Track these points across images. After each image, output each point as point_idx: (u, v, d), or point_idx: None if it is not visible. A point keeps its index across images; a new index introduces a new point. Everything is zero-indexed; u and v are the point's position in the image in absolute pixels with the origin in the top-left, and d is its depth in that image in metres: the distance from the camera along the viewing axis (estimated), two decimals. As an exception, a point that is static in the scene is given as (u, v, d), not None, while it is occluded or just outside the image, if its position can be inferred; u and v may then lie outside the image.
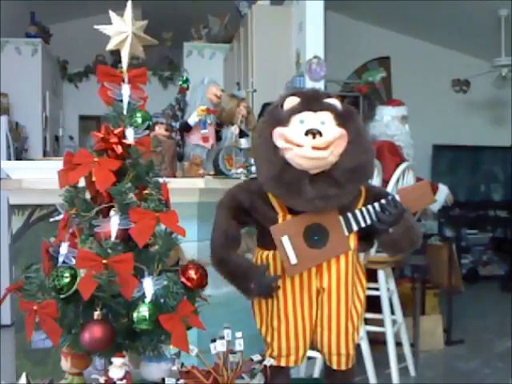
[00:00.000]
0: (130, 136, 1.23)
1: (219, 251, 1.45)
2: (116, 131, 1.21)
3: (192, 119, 2.62)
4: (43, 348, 1.95)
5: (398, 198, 1.45)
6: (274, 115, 1.40)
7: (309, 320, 1.47)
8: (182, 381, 1.27)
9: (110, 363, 1.20)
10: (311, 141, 1.29)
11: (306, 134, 1.30)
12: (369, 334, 2.76)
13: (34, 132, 5.23)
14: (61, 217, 1.25)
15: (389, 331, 2.80)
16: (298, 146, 1.30)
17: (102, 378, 1.20)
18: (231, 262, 1.43)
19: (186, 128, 2.66)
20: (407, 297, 3.51)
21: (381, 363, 2.86)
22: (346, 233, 1.42)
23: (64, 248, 1.19)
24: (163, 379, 1.26)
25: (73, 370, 1.30)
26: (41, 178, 1.99)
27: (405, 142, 3.48)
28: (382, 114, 3.56)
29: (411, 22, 6.14)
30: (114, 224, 1.16)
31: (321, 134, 1.30)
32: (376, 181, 2.64)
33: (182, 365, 1.32)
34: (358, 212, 1.43)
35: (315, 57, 3.84)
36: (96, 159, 1.19)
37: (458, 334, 3.79)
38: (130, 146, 1.22)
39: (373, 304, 2.56)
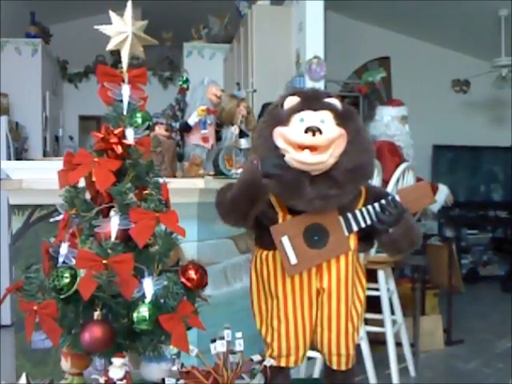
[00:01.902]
0: (130, 136, 1.23)
1: (222, 193, 1.41)
2: (116, 131, 1.21)
3: (192, 119, 2.62)
4: (43, 348, 1.95)
5: (397, 198, 1.45)
6: (274, 115, 1.40)
7: (309, 320, 1.47)
8: (181, 381, 1.27)
9: (110, 363, 1.19)
10: (311, 138, 1.28)
11: (306, 131, 1.30)
12: (369, 334, 2.76)
13: (34, 132, 5.23)
14: (61, 217, 1.25)
15: (389, 331, 2.80)
16: (298, 146, 1.29)
17: (102, 379, 1.20)
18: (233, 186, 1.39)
19: (185, 128, 2.66)
20: (407, 297, 3.51)
21: (381, 363, 2.86)
22: (346, 233, 1.42)
23: (64, 248, 1.18)
24: (163, 379, 1.26)
25: (73, 371, 1.30)
26: (41, 178, 1.99)
27: (405, 142, 3.48)
28: (382, 114, 3.56)
29: (411, 22, 6.14)
30: (114, 224, 1.16)
31: (321, 132, 1.29)
32: (376, 181, 2.64)
33: (182, 365, 1.31)
34: (358, 212, 1.43)
35: (315, 57, 3.84)
36: (96, 159, 1.19)
37: (458, 333, 3.79)
38: (130, 146, 1.22)
39: (373, 304, 2.56)
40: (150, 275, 1.17)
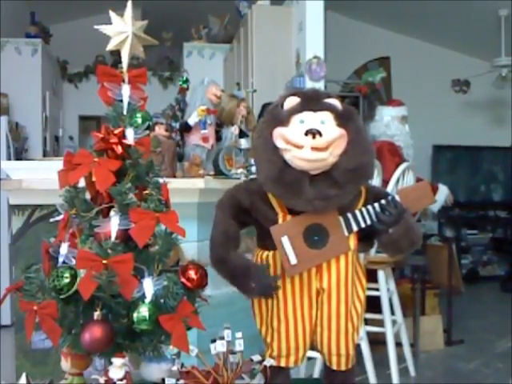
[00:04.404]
0: (130, 136, 1.23)
1: (219, 250, 1.44)
2: (116, 131, 1.21)
3: (192, 119, 2.62)
4: (43, 348, 1.95)
5: (397, 198, 1.45)
6: (274, 115, 1.40)
7: (309, 320, 1.47)
8: (181, 381, 1.27)
9: (110, 363, 1.19)
10: (311, 141, 1.29)
11: (306, 134, 1.30)
12: (369, 334, 2.76)
13: (34, 132, 5.23)
14: (61, 217, 1.25)
15: (389, 331, 2.80)
16: (298, 146, 1.30)
17: (102, 379, 1.20)
18: (231, 261, 1.42)
19: (185, 128, 2.66)
20: (407, 297, 3.51)
21: (381, 363, 2.87)
22: (346, 233, 1.42)
23: (64, 248, 1.19)
24: (163, 379, 1.26)
25: (73, 371, 1.30)
26: (41, 178, 1.99)
27: (405, 142, 3.48)
28: (382, 114, 3.56)
29: (411, 22, 6.14)
30: (114, 224, 1.16)
31: (321, 134, 1.30)
32: (376, 181, 2.64)
33: (182, 365, 1.31)
34: (357, 212, 1.43)
35: (315, 57, 3.84)
36: (96, 159, 1.19)
37: (458, 333, 3.79)
38: (130, 146, 1.22)
39: (373, 304, 2.56)
40: (150, 275, 1.17)
